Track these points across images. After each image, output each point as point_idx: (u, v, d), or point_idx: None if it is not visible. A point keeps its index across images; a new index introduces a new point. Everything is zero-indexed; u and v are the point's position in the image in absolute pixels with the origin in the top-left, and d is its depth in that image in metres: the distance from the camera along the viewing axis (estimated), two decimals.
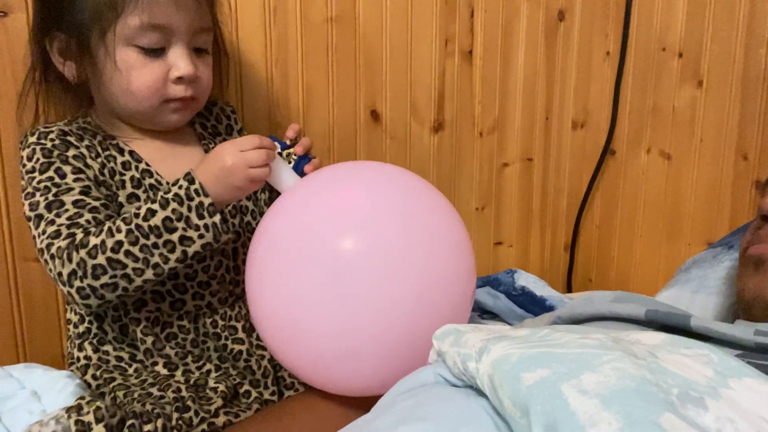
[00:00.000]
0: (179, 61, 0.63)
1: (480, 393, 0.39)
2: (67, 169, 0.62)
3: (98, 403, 0.56)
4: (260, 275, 0.61)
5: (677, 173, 1.07)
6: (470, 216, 1.11)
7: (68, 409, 0.56)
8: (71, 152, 0.63)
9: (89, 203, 0.61)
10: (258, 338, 0.71)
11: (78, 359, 0.67)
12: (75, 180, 0.61)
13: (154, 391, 0.64)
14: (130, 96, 0.63)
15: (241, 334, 0.70)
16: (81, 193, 0.61)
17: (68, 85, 0.67)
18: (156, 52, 0.62)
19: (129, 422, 0.57)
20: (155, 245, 0.58)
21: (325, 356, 0.58)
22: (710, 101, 1.01)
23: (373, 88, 0.96)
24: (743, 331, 0.50)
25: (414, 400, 0.42)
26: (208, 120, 0.76)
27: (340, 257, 0.56)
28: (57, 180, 0.61)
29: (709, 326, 0.52)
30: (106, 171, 0.65)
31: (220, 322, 0.70)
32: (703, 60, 1.00)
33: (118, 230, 0.58)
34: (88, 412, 0.55)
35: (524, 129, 1.13)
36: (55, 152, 0.62)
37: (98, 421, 0.55)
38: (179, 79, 0.63)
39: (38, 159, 0.62)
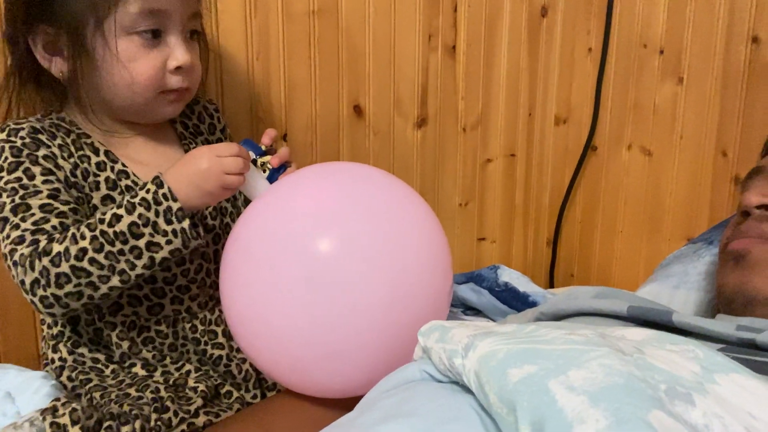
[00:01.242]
0: (176, 51, 0.61)
1: (466, 389, 0.39)
2: (36, 170, 0.59)
3: (74, 405, 0.55)
4: (233, 281, 0.60)
5: (658, 169, 1.08)
6: (453, 212, 1.11)
7: (43, 411, 0.54)
8: (42, 152, 0.60)
9: (57, 208, 0.58)
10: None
11: (53, 360, 0.65)
12: (44, 182, 0.59)
13: (132, 391, 0.62)
14: (128, 88, 0.61)
15: (221, 339, 0.68)
16: (49, 196, 0.58)
17: (42, 82, 0.64)
18: (154, 39, 0.60)
19: (106, 424, 0.56)
20: (121, 252, 0.56)
21: (302, 360, 0.57)
22: (691, 98, 1.02)
23: (356, 83, 0.95)
24: (725, 326, 0.51)
25: (399, 396, 0.42)
26: (190, 119, 0.74)
27: (313, 260, 0.56)
28: (25, 181, 0.58)
29: (691, 322, 0.52)
30: (78, 172, 0.62)
31: (200, 327, 0.68)
32: (683, 57, 1.01)
33: (83, 237, 0.56)
34: (63, 414, 0.54)
35: (507, 125, 1.13)
36: (25, 151, 0.59)
37: (74, 423, 0.54)
38: (177, 69, 0.62)
39: (6, 158, 0.59)
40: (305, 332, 0.55)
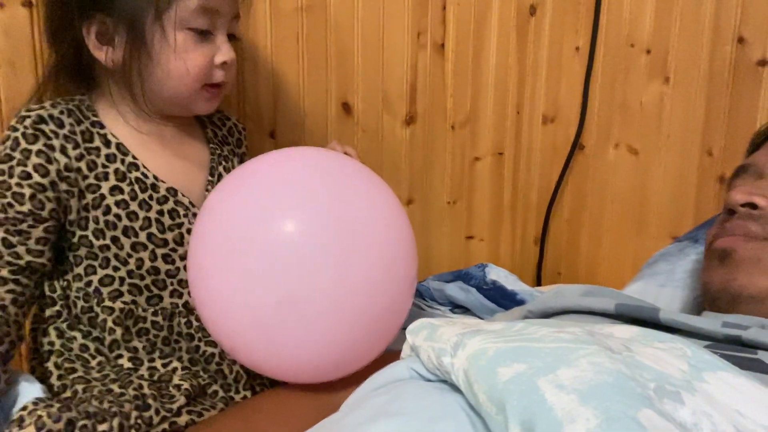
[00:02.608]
0: (223, 47, 0.65)
1: (455, 388, 0.39)
2: (17, 171, 0.60)
3: (39, 412, 0.54)
4: (197, 249, 0.61)
5: (644, 168, 1.09)
6: (442, 210, 1.10)
7: (10, 424, 0.53)
8: (37, 146, 0.61)
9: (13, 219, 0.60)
10: None
11: (42, 344, 0.65)
12: (16, 185, 0.60)
13: (115, 387, 0.62)
14: (179, 79, 0.63)
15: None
16: (8, 204, 0.60)
17: (80, 72, 0.66)
18: (205, 36, 0.64)
19: (81, 423, 0.55)
20: None
21: (257, 309, 0.57)
22: (677, 98, 1.02)
23: (344, 80, 0.95)
24: (711, 323, 0.51)
25: (387, 396, 0.41)
26: (221, 129, 0.77)
27: (274, 231, 0.57)
28: (5, 178, 0.60)
29: (678, 319, 0.53)
30: (83, 163, 0.63)
31: (195, 323, 0.68)
32: (670, 57, 1.02)
33: None
34: (29, 424, 0.53)
35: (496, 123, 1.13)
36: (22, 145, 0.61)
37: (38, 429, 0.53)
38: (223, 64, 0.65)
39: (6, 147, 0.61)
40: (258, 277, 0.56)
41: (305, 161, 0.63)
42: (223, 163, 0.73)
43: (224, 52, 0.65)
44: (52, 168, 0.61)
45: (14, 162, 0.60)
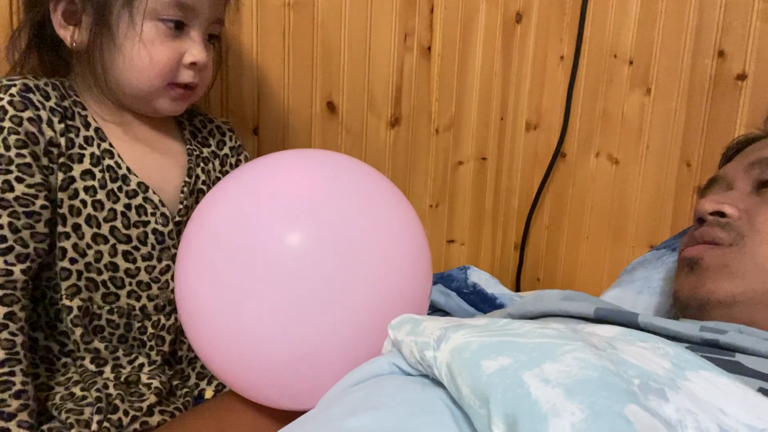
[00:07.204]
0: (194, 48, 0.62)
1: (436, 383, 0.38)
2: (11, 139, 0.56)
3: None
4: (194, 268, 0.54)
5: (624, 178, 1.10)
6: (424, 213, 1.10)
7: None
8: (27, 113, 0.57)
9: (10, 204, 0.56)
10: (186, 350, 0.69)
11: None
12: (17, 155, 0.56)
13: (77, 391, 0.60)
14: (142, 71, 0.60)
15: (166, 347, 0.67)
16: (16, 179, 0.56)
17: (50, 45, 0.63)
18: (176, 31, 0.60)
19: None
20: None
21: (271, 362, 0.51)
22: (657, 109, 1.04)
23: (329, 79, 0.94)
24: (689, 327, 0.51)
25: (367, 390, 0.40)
26: (200, 131, 0.73)
27: (287, 250, 0.50)
28: (2, 152, 0.55)
29: (657, 323, 0.53)
30: (63, 140, 0.59)
31: (150, 330, 0.65)
32: (652, 68, 1.03)
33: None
34: None
35: (479, 128, 1.13)
36: (10, 113, 0.56)
37: None
38: (192, 65, 0.62)
39: None
40: (274, 328, 0.50)
41: (320, 166, 0.57)
42: (202, 164, 0.70)
43: (194, 53, 0.61)
44: (41, 140, 0.58)
45: (5, 132, 0.55)
